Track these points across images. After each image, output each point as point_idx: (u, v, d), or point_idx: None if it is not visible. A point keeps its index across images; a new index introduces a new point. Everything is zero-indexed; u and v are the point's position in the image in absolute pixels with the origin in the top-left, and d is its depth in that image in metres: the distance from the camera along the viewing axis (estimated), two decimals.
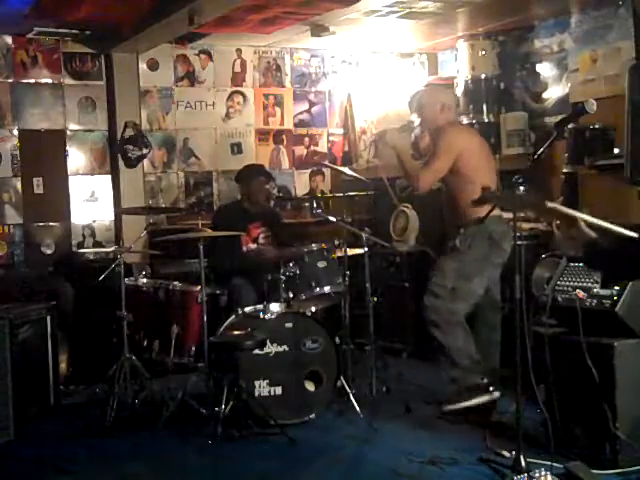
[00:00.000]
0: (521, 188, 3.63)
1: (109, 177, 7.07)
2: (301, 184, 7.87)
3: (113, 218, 7.07)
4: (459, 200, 4.72)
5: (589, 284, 4.07)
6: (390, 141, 4.95)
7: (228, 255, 5.57)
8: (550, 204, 3.32)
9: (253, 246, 5.82)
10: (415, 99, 5.18)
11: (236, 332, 4.85)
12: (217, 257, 5.46)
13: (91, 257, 6.64)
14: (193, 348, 5.10)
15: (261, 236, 5.87)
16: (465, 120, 6.94)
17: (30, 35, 6.58)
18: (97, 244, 6.99)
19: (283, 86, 7.77)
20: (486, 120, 6.84)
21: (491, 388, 4.68)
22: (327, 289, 5.22)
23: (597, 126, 5.71)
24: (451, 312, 4.71)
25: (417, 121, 5.04)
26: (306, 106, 7.87)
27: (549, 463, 3.65)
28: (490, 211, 4.28)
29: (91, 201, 7.03)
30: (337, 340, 5.06)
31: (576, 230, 2.82)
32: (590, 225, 2.80)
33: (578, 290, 4.04)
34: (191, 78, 7.36)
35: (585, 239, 2.78)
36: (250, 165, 6.34)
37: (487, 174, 4.75)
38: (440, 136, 4.76)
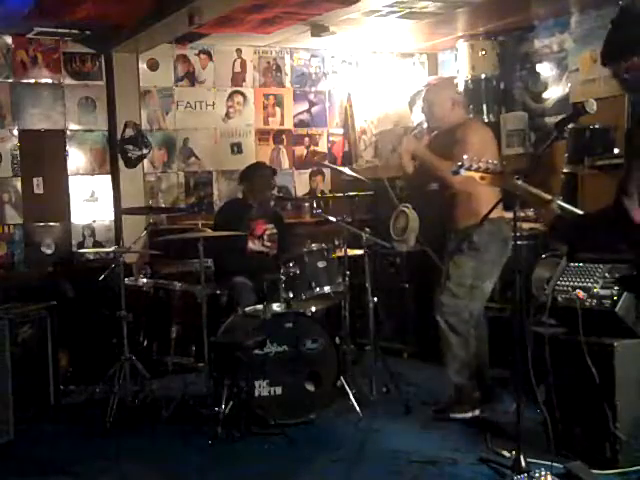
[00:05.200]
0: None
1: (109, 177, 7.07)
2: (301, 184, 7.87)
3: (113, 218, 7.06)
4: (473, 198, 4.60)
5: (589, 284, 4.07)
6: (408, 147, 4.82)
7: (232, 253, 5.58)
8: (518, 182, 3.36)
9: (257, 243, 5.83)
10: (423, 97, 5.01)
11: (236, 332, 4.84)
12: (221, 255, 5.47)
13: (91, 257, 6.64)
14: (193, 348, 5.10)
15: (267, 233, 5.89)
16: None
17: (30, 35, 6.58)
18: (97, 244, 6.99)
19: (283, 86, 7.77)
20: (486, 120, 6.83)
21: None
22: (327, 289, 5.22)
23: (597, 126, 5.71)
24: (470, 312, 4.70)
25: (424, 119, 4.91)
26: (306, 106, 7.87)
27: (549, 463, 3.65)
28: (491, 210, 4.25)
29: (91, 201, 7.03)
30: (337, 340, 5.06)
31: (547, 208, 3.00)
32: (559, 207, 3.00)
33: (578, 290, 4.04)
34: (191, 78, 7.36)
35: (553, 215, 2.98)
36: (253, 164, 6.38)
37: None
38: (466, 133, 4.64)
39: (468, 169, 3.43)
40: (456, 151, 4.51)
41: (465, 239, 4.70)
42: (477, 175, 3.41)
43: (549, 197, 3.15)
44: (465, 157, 3.40)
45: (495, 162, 3.40)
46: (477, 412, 4.74)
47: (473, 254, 4.69)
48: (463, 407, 4.75)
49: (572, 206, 3.14)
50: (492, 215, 4.32)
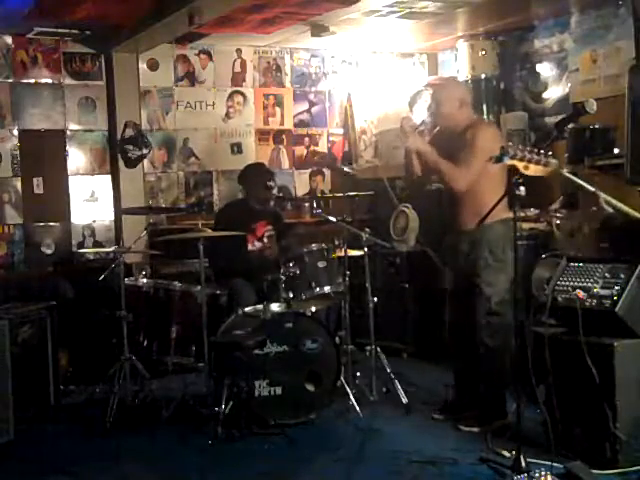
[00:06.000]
0: (521, 188, 3.63)
1: (109, 177, 7.06)
2: (301, 184, 7.86)
3: (113, 218, 7.06)
4: (484, 200, 4.41)
5: (589, 284, 4.07)
6: (414, 145, 4.71)
7: (231, 254, 5.58)
8: (566, 173, 3.37)
9: (258, 244, 5.85)
10: (431, 95, 4.93)
11: (236, 332, 4.84)
12: (220, 256, 5.47)
13: (91, 257, 6.63)
14: (193, 348, 5.10)
15: (266, 234, 5.90)
16: None
17: (30, 35, 6.57)
18: (97, 244, 6.99)
19: (283, 86, 7.76)
20: (486, 120, 6.84)
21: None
22: (327, 289, 5.22)
23: (597, 126, 5.71)
24: (511, 324, 4.42)
25: (429, 117, 4.86)
26: (306, 106, 7.87)
27: (549, 463, 3.65)
28: (491, 210, 4.23)
29: (91, 201, 7.02)
30: (337, 340, 5.06)
31: (597, 205, 3.01)
32: (607, 202, 2.99)
33: (578, 290, 4.05)
34: (191, 78, 7.36)
35: (604, 214, 2.97)
36: (251, 164, 6.37)
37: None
38: (476, 135, 4.55)
39: (512, 157, 3.41)
40: (464, 154, 4.50)
41: (478, 243, 4.58)
42: (521, 164, 3.39)
43: (594, 189, 3.12)
44: (510, 144, 3.37)
45: (541, 152, 3.37)
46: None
47: (499, 265, 4.54)
48: (475, 422, 4.60)
49: (567, 211, 3.15)
50: (504, 215, 4.32)
